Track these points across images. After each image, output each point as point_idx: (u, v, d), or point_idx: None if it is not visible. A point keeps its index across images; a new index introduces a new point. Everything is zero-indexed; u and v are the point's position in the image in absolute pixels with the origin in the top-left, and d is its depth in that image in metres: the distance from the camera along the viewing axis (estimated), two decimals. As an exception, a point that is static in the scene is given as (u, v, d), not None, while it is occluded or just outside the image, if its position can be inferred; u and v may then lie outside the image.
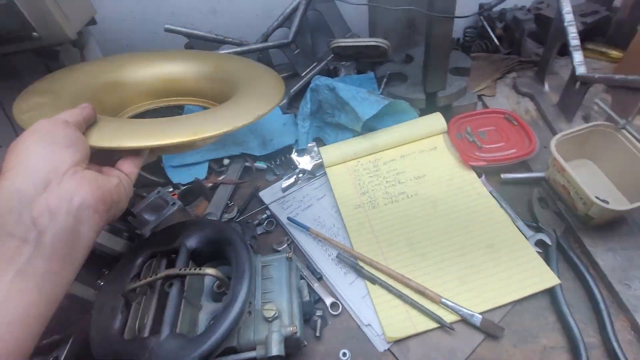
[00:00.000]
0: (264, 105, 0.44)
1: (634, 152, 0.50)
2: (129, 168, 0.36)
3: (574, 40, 0.61)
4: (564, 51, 0.73)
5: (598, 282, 0.47)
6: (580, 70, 0.59)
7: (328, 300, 0.51)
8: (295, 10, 0.79)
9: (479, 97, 0.76)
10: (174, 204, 0.60)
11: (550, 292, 0.47)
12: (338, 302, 0.51)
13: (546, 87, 0.73)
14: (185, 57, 0.59)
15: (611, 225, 0.51)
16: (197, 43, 0.81)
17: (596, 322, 0.45)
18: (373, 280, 0.51)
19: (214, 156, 0.72)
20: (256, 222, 0.63)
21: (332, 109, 0.69)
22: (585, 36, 0.78)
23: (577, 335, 0.43)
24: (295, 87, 0.84)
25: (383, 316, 0.48)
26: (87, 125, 0.35)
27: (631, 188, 0.52)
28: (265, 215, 0.64)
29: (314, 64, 0.86)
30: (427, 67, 0.65)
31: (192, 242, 0.45)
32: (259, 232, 0.62)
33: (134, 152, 0.37)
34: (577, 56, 0.60)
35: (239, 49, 0.80)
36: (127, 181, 0.35)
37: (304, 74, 0.85)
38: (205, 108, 0.57)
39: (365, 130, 0.68)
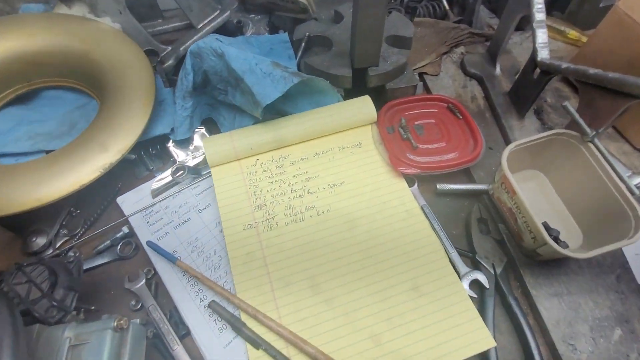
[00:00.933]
0: (119, 145, 0.44)
1: (598, 171, 0.39)
2: None
3: (539, 13, 0.47)
4: (520, 25, 0.60)
5: (539, 338, 0.38)
6: (543, 54, 0.46)
7: (190, 374, 0.36)
8: None
9: (420, 75, 0.62)
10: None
11: (482, 356, 0.37)
12: (204, 377, 0.36)
13: (497, 69, 0.60)
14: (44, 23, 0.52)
15: (558, 261, 0.41)
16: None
17: (533, 395, 0.36)
18: (256, 344, 0.36)
19: (53, 147, 0.48)
20: (105, 244, 0.44)
21: (224, 84, 0.49)
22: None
23: (510, 416, 0.33)
24: (186, 44, 0.61)
25: (264, 401, 0.34)
26: None
27: (584, 212, 0.43)
28: (121, 233, 0.45)
29: (216, 13, 0.63)
30: (355, 32, 0.47)
31: None
32: (109, 259, 0.44)
33: None
34: (541, 35, 0.47)
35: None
36: None
37: (200, 25, 0.63)
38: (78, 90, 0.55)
39: (272, 115, 0.50)
